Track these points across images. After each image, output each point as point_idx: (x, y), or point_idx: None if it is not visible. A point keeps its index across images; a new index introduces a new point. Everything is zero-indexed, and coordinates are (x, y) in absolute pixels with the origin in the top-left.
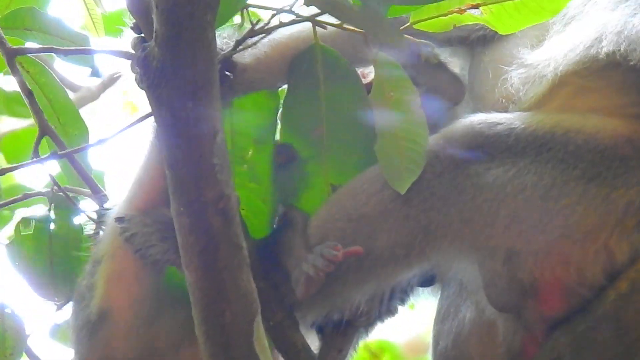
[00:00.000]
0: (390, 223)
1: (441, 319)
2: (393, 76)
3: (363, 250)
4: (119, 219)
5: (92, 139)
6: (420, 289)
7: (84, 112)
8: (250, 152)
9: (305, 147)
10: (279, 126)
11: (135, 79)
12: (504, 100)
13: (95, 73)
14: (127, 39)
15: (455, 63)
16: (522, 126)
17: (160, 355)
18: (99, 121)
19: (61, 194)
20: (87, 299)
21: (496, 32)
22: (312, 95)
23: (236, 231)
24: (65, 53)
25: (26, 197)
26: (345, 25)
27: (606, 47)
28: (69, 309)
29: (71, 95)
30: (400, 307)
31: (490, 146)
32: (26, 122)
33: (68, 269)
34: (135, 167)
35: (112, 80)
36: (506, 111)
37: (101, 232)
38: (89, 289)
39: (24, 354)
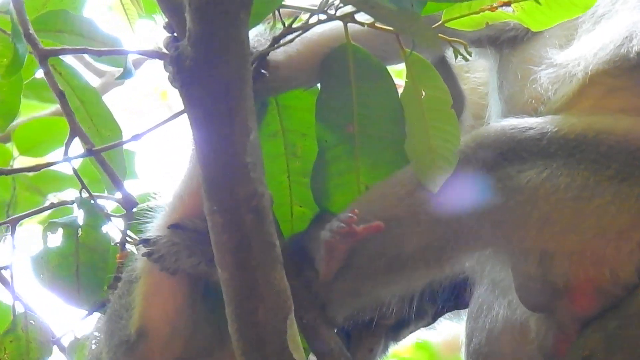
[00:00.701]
0: (421, 226)
1: (474, 317)
2: (425, 75)
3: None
4: (145, 241)
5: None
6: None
7: (109, 97)
8: (300, 148)
9: (338, 144)
10: None
11: (168, 78)
12: (533, 101)
13: (127, 74)
14: (160, 38)
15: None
16: (554, 129)
17: None
18: (125, 108)
19: (91, 200)
20: (124, 318)
21: (526, 34)
22: (344, 92)
23: (269, 229)
24: (98, 54)
25: (52, 206)
26: (376, 24)
27: (637, 46)
28: (90, 322)
29: (96, 80)
30: (431, 311)
31: (522, 150)
32: (42, 112)
33: (94, 279)
34: (175, 180)
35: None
36: (536, 112)
37: (128, 244)
38: (126, 309)
39: None
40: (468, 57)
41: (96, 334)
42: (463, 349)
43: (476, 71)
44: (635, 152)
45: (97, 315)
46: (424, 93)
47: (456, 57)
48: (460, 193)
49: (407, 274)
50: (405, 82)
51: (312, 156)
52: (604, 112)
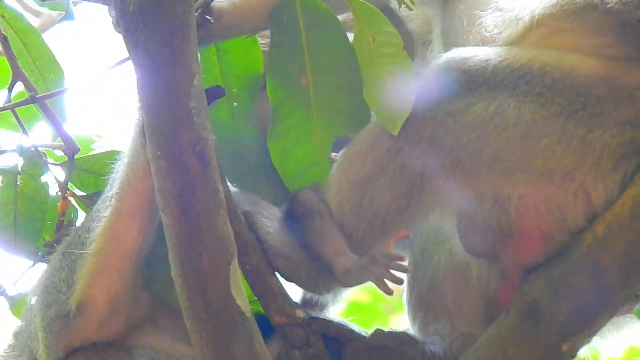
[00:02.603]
0: (389, 176)
1: (415, 264)
2: (373, 20)
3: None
4: None
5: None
6: None
7: (46, 36)
8: (236, 89)
9: (292, 97)
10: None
11: (112, 23)
12: (479, 43)
13: (69, 16)
14: None
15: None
16: (499, 59)
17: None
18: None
19: (32, 148)
20: (64, 292)
21: None
22: (295, 43)
23: (213, 174)
24: None
25: None
26: None
27: None
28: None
29: (33, 20)
30: None
31: (467, 80)
32: None
33: (31, 228)
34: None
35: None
36: None
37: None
38: (68, 285)
39: None
40: (412, 5)
41: (33, 296)
42: (404, 297)
43: (416, 19)
44: (579, 88)
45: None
46: (374, 39)
47: (400, 5)
48: (416, 135)
49: (386, 227)
50: (355, 29)
51: (246, 96)
52: (550, 48)
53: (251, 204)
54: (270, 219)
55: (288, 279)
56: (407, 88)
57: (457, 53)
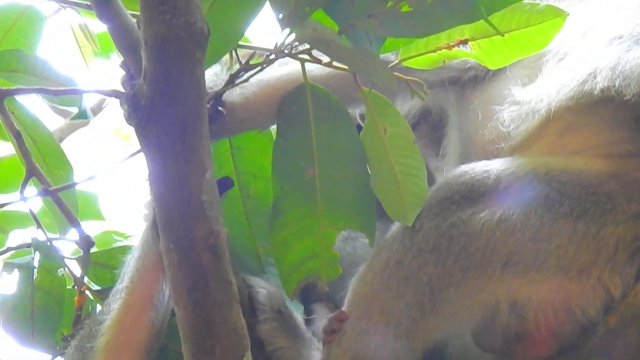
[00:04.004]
0: (394, 290)
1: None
2: (386, 112)
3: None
4: None
5: (83, 169)
6: None
7: (76, 136)
8: (252, 189)
9: (297, 190)
10: None
11: (124, 116)
12: (494, 138)
13: (83, 114)
14: (116, 77)
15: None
16: (501, 168)
17: None
18: (91, 147)
19: (47, 243)
20: None
21: (487, 73)
22: (303, 135)
23: (226, 267)
24: (55, 94)
25: (9, 250)
26: (334, 64)
27: (601, 83)
28: None
29: (62, 122)
30: None
31: (469, 190)
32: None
33: (48, 322)
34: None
35: (100, 106)
36: (496, 151)
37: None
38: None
39: None
40: (424, 96)
41: None
42: None
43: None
44: (588, 189)
45: None
46: (386, 130)
47: (413, 96)
48: (416, 247)
49: (404, 339)
50: (366, 120)
51: (264, 197)
52: (561, 151)
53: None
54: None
55: None
56: (419, 182)
57: (457, 170)
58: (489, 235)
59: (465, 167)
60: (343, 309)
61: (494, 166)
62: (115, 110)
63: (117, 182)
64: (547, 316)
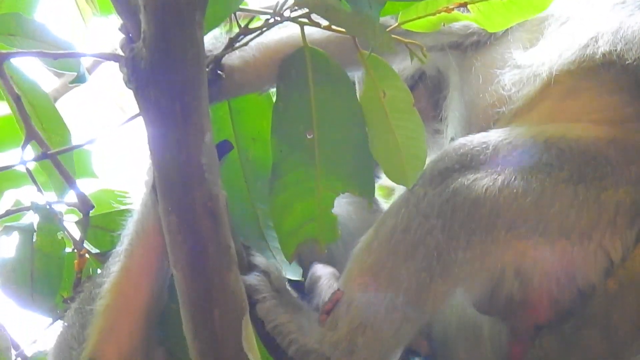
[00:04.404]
0: (401, 256)
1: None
2: (385, 75)
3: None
4: None
5: (79, 129)
6: None
7: (70, 96)
8: (251, 152)
9: (296, 152)
10: None
11: (123, 79)
12: (495, 102)
13: (81, 78)
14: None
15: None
16: (499, 139)
17: None
18: (87, 106)
19: (46, 206)
20: (75, 349)
21: (489, 38)
22: (303, 98)
23: (224, 231)
24: (53, 57)
25: (8, 213)
26: (333, 27)
27: (603, 47)
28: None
29: (56, 82)
30: None
31: (469, 160)
32: None
33: (48, 285)
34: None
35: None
36: (497, 115)
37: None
38: (78, 341)
39: None
40: (424, 60)
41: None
42: None
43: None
44: (587, 154)
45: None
46: (385, 93)
47: (412, 59)
48: (421, 215)
49: (413, 304)
50: (365, 83)
51: (262, 161)
52: (561, 115)
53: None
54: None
55: None
56: (418, 144)
57: (454, 144)
58: (492, 199)
59: (463, 140)
60: (344, 281)
61: (492, 137)
62: (111, 71)
63: (111, 142)
64: (550, 282)
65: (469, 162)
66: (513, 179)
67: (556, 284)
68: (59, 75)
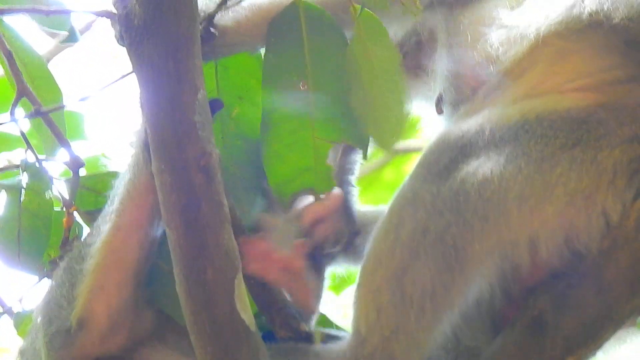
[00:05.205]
0: (423, 257)
1: None
2: (375, 31)
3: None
4: None
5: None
6: None
7: (64, 55)
8: (236, 110)
9: (290, 102)
10: None
11: (116, 37)
12: (484, 61)
13: (72, 37)
14: None
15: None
16: (493, 122)
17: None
18: (78, 65)
19: (36, 164)
20: (65, 308)
21: None
22: (296, 50)
23: (218, 189)
24: (45, 13)
25: None
26: None
27: (589, 7)
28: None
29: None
30: None
31: (468, 148)
32: None
33: (35, 245)
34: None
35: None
36: (486, 75)
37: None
38: (68, 300)
39: None
40: (415, 13)
41: (37, 313)
42: None
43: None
44: (578, 120)
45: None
46: (372, 49)
47: (405, 12)
48: (436, 211)
49: (438, 304)
50: (353, 38)
51: (247, 119)
52: (553, 80)
53: None
54: None
55: None
56: (401, 106)
57: (447, 133)
58: (499, 178)
59: (457, 131)
60: (366, 288)
61: (485, 121)
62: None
63: (103, 102)
64: (556, 247)
65: (469, 151)
66: (514, 155)
67: (555, 249)
68: (52, 35)
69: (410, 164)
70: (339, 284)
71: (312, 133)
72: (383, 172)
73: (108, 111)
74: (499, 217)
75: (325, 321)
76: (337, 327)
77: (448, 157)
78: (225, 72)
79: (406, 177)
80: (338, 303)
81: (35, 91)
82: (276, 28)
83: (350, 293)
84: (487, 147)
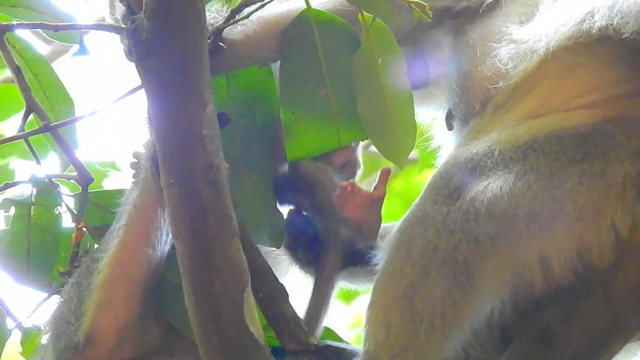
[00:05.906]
0: (433, 275)
1: None
2: (383, 41)
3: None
4: None
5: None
6: None
7: (60, 62)
8: (246, 117)
9: (309, 111)
10: None
11: (124, 51)
12: (493, 76)
13: (82, 51)
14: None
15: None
16: (502, 144)
17: None
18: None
19: (45, 179)
20: (73, 323)
21: (480, 5)
22: (310, 58)
23: (225, 202)
24: (55, 29)
25: (7, 186)
26: None
27: (599, 22)
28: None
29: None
30: None
31: (480, 171)
32: None
33: (44, 260)
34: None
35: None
36: (495, 89)
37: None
38: (76, 315)
39: None
40: (428, 18)
41: (46, 331)
42: None
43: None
44: (586, 135)
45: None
46: (380, 59)
47: (415, 17)
48: (447, 231)
49: (449, 321)
50: (361, 45)
51: (254, 127)
52: (561, 94)
53: None
54: None
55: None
56: (409, 118)
57: (455, 157)
58: (509, 196)
59: (467, 153)
60: (377, 306)
61: (494, 142)
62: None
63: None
64: (567, 264)
65: (479, 172)
66: (523, 172)
67: (566, 264)
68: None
69: (421, 175)
70: (350, 294)
71: (339, 136)
72: (393, 183)
73: (116, 124)
74: (509, 234)
75: (333, 336)
76: (345, 342)
77: (458, 179)
78: (234, 80)
79: (416, 200)
80: (348, 312)
81: (47, 102)
82: (289, 37)
83: (360, 302)
84: (496, 167)
